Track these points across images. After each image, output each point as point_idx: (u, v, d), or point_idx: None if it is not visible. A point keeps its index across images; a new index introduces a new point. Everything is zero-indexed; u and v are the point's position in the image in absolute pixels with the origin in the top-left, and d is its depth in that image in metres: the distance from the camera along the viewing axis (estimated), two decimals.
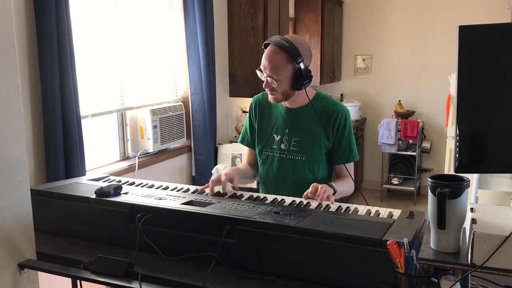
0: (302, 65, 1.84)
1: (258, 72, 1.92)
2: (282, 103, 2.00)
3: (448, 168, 3.63)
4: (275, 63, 1.83)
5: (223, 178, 1.85)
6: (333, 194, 1.82)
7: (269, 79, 1.86)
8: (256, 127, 2.09)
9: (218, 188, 1.85)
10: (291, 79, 1.86)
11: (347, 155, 1.99)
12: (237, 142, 3.92)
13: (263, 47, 1.92)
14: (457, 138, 1.18)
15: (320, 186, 1.76)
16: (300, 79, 1.85)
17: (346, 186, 1.97)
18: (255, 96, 2.13)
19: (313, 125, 1.96)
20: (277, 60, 1.83)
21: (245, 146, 2.18)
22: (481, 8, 5.47)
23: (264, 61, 1.86)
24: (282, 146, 2.00)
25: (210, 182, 1.84)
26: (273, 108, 2.05)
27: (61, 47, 2.38)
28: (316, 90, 2.01)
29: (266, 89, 1.92)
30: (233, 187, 1.89)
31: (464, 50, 1.17)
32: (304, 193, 1.77)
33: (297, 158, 1.97)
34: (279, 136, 2.00)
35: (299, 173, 1.98)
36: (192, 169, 3.72)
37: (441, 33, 5.66)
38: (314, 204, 1.71)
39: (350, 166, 2.03)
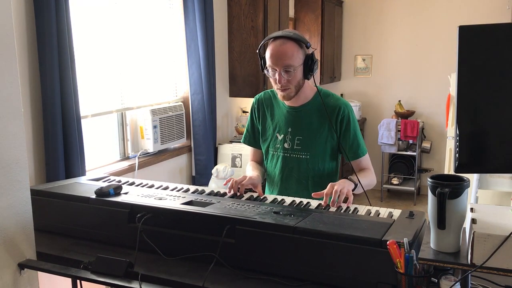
0: (310, 50, 1.86)
1: (267, 72, 1.89)
2: (284, 102, 2.00)
3: (448, 168, 3.63)
4: (288, 52, 1.81)
5: (246, 181, 1.84)
6: (354, 189, 1.80)
7: (283, 72, 1.83)
8: (259, 126, 2.09)
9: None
10: (303, 66, 1.86)
11: (355, 150, 1.97)
12: (237, 142, 3.95)
13: (260, 49, 1.90)
14: (457, 138, 1.18)
15: (336, 185, 1.72)
16: (312, 65, 1.85)
17: (368, 177, 1.94)
18: (257, 95, 2.12)
19: (316, 122, 1.96)
20: (289, 48, 1.82)
21: (247, 146, 2.17)
22: (481, 8, 5.47)
23: (274, 56, 1.83)
24: (286, 145, 1.99)
25: (232, 181, 1.83)
26: (275, 107, 2.04)
27: (61, 47, 2.38)
28: (316, 86, 2.01)
29: (277, 86, 1.87)
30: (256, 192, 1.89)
31: (464, 50, 1.17)
32: (317, 193, 1.75)
33: (301, 156, 1.97)
34: (282, 135, 2.00)
35: (304, 172, 1.98)
36: (192, 169, 3.72)
37: (441, 33, 5.66)
38: (314, 204, 1.71)
39: (367, 158, 2.01)
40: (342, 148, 1.97)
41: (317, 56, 5.39)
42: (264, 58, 1.91)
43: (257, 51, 1.95)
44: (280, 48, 1.82)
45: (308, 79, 1.91)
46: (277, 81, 1.86)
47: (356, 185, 1.83)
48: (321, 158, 1.97)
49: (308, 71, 1.87)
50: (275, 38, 1.85)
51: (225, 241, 1.42)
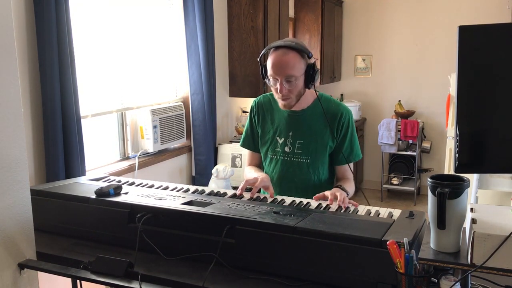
0: (312, 59, 1.86)
1: (268, 82, 1.88)
2: None
3: (448, 168, 3.63)
4: (290, 62, 1.81)
5: (258, 184, 1.84)
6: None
7: (285, 82, 1.83)
8: (258, 130, 2.08)
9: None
10: (305, 75, 1.86)
11: (347, 156, 1.98)
12: (237, 142, 3.94)
13: (261, 57, 1.90)
14: (457, 138, 1.18)
15: (339, 193, 1.73)
16: (313, 74, 1.85)
17: (351, 188, 1.96)
18: (256, 99, 2.12)
19: (317, 126, 1.96)
20: (290, 58, 1.82)
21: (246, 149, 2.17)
22: (481, 8, 5.47)
23: (275, 66, 1.83)
24: (286, 149, 1.99)
25: (245, 182, 1.83)
26: (276, 111, 2.04)
27: (61, 47, 2.38)
28: (317, 92, 2.01)
29: (279, 96, 1.88)
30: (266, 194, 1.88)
31: (464, 50, 1.16)
32: (318, 195, 1.76)
33: (301, 160, 1.97)
34: (282, 139, 2.00)
35: (304, 176, 1.98)
36: (192, 169, 3.72)
37: (441, 33, 5.66)
38: (314, 204, 1.71)
39: (351, 166, 2.03)
40: (336, 152, 1.98)
41: (317, 56, 5.40)
42: (265, 67, 1.91)
43: (258, 59, 1.95)
44: (282, 58, 1.82)
45: (309, 88, 1.91)
46: (278, 91, 1.86)
47: (347, 194, 1.86)
48: (321, 163, 1.97)
49: (309, 80, 1.87)
50: (277, 47, 1.84)
51: (225, 241, 1.42)
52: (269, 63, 1.86)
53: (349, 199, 1.82)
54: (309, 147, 1.96)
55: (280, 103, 1.93)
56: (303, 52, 1.84)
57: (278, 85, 1.85)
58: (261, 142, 2.08)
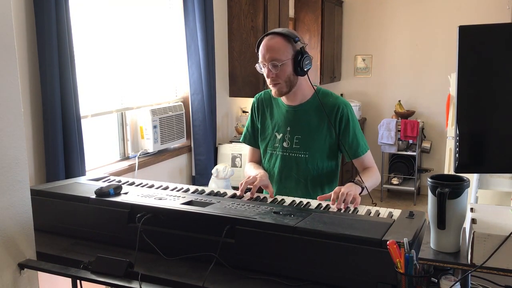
0: (300, 44, 1.87)
1: (258, 67, 1.91)
2: (283, 101, 2.00)
3: (448, 168, 3.63)
4: (274, 46, 1.85)
5: (257, 183, 1.84)
6: (361, 193, 1.80)
7: (270, 66, 1.85)
8: (258, 125, 2.09)
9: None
10: (293, 61, 1.86)
11: (355, 149, 1.97)
12: (237, 142, 3.94)
13: (256, 47, 1.92)
14: (457, 138, 1.18)
15: (343, 188, 1.72)
16: (301, 60, 1.85)
17: (373, 178, 1.94)
18: (257, 94, 2.13)
19: (315, 121, 1.96)
20: (275, 42, 1.85)
21: (246, 145, 2.17)
22: (481, 8, 5.47)
23: (261, 51, 1.87)
24: (285, 144, 1.99)
25: (244, 183, 1.83)
26: (275, 106, 2.05)
27: (61, 47, 2.38)
28: (316, 86, 2.01)
29: (268, 80, 1.90)
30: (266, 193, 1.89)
31: (464, 50, 1.16)
32: (322, 196, 1.76)
33: (300, 155, 1.97)
34: (281, 135, 2.00)
35: (303, 171, 1.97)
36: (192, 169, 3.72)
37: (441, 33, 5.66)
38: (314, 204, 1.71)
39: (369, 156, 2.01)
40: (342, 147, 1.96)
41: (317, 56, 5.39)
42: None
43: (256, 49, 1.97)
44: (267, 43, 1.86)
45: (301, 75, 1.90)
46: (266, 76, 1.89)
47: (363, 189, 1.83)
48: (320, 157, 1.97)
49: (298, 66, 1.87)
50: (267, 34, 1.89)
51: (225, 241, 1.42)
52: (260, 50, 1.90)
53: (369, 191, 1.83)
54: (307, 142, 1.96)
55: (272, 91, 1.94)
56: (289, 37, 1.86)
57: (265, 70, 1.88)
58: (260, 138, 2.09)
